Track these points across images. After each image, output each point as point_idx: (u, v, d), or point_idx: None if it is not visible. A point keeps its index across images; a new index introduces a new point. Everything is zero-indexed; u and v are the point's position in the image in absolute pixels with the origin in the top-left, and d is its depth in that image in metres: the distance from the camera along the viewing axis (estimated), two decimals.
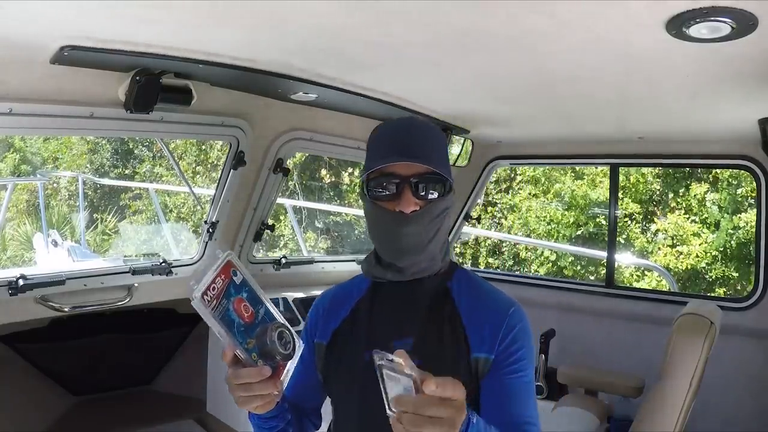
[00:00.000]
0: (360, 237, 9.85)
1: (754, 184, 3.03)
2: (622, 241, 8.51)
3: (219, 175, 2.76)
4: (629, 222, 8.83)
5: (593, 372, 3.14)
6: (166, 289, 2.72)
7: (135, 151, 11.80)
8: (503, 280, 4.11)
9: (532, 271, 9.18)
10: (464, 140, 3.18)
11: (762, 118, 2.33)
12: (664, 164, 5.48)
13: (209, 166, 10.67)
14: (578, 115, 2.68)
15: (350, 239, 10.26)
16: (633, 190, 8.80)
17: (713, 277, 8.35)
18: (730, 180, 8.24)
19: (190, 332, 3.20)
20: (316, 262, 3.49)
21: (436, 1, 1.31)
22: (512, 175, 9.85)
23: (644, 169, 8.54)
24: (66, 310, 2.41)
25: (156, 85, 1.97)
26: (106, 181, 11.10)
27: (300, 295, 3.08)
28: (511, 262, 9.77)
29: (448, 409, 0.88)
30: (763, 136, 2.46)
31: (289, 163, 2.93)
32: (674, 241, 8.54)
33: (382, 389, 0.91)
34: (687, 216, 8.59)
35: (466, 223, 4.07)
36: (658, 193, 9.00)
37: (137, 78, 1.93)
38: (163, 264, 2.66)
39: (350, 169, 10.13)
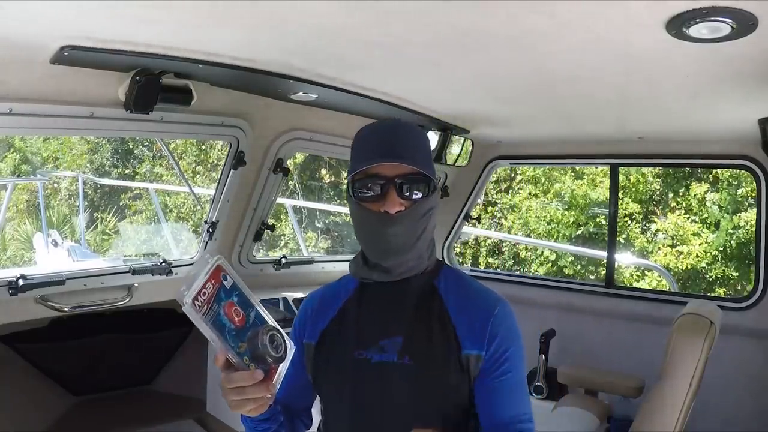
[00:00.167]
0: None
1: (754, 184, 3.03)
2: (622, 241, 8.50)
3: (219, 175, 2.76)
4: (629, 222, 8.83)
5: (593, 372, 3.14)
6: (166, 289, 2.72)
7: (135, 151, 11.80)
8: (503, 280, 4.10)
9: (532, 271, 9.18)
10: (464, 140, 3.18)
11: (762, 118, 2.33)
12: (664, 164, 5.48)
13: (209, 166, 10.67)
14: (578, 115, 2.68)
15: (350, 239, 10.25)
16: (633, 190, 8.80)
17: (713, 277, 8.35)
18: (730, 180, 8.24)
19: (190, 332, 3.20)
20: (316, 262, 3.49)
21: (436, 1, 1.31)
22: (512, 175, 9.85)
23: (644, 169, 8.54)
24: (66, 310, 2.41)
25: (156, 85, 1.97)
26: (106, 181, 11.10)
27: (300, 295, 3.08)
28: (511, 262, 9.77)
29: None
30: (763, 136, 2.46)
31: (289, 163, 2.93)
32: (674, 241, 8.54)
33: None
34: (687, 216, 8.59)
35: (466, 223, 4.07)
36: (658, 193, 9.00)
37: (137, 78, 1.93)
38: (163, 264, 2.66)
39: None
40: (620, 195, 8.35)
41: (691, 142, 3.04)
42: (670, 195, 8.84)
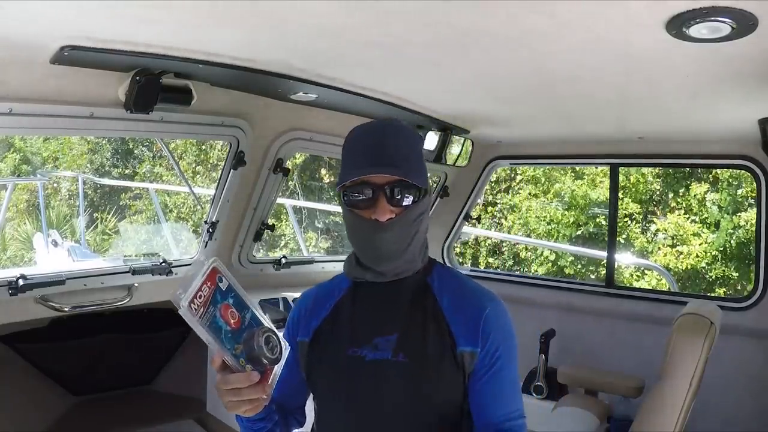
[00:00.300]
0: None
1: (754, 184, 3.03)
2: (622, 241, 8.50)
3: (219, 175, 2.76)
4: (629, 222, 8.83)
5: (593, 372, 3.14)
6: (166, 289, 2.70)
7: (135, 151, 11.80)
8: (503, 280, 4.11)
9: (532, 271, 9.18)
10: (464, 140, 3.18)
11: (762, 118, 2.33)
12: (664, 164, 5.47)
13: (209, 166, 10.67)
14: (578, 115, 2.68)
15: None
16: (633, 190, 8.80)
17: (713, 277, 8.35)
18: (730, 180, 8.24)
19: (189, 332, 3.18)
20: (316, 262, 3.49)
21: (436, 1, 1.31)
22: (512, 175, 9.85)
23: (644, 169, 8.54)
24: (66, 310, 2.41)
25: (156, 85, 1.97)
26: (106, 181, 11.09)
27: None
28: (511, 262, 9.77)
29: None
30: (763, 136, 2.46)
31: (289, 163, 2.93)
32: (674, 241, 8.54)
33: None
34: (687, 216, 8.59)
35: (466, 223, 4.07)
36: (658, 193, 9.00)
37: (137, 78, 1.93)
38: (163, 264, 2.66)
39: None
40: (620, 195, 8.34)
41: (691, 142, 3.04)
42: (670, 195, 8.84)
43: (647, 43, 1.50)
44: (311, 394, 1.35)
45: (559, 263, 9.05)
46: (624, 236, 8.63)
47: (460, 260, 9.36)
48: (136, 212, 11.30)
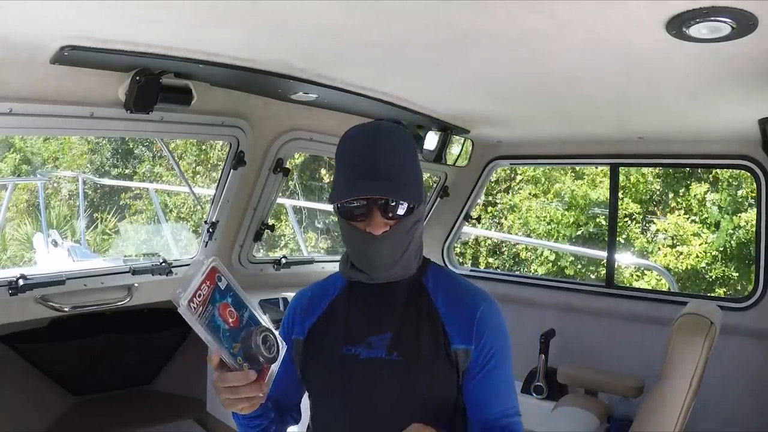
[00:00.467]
0: None
1: (754, 184, 3.03)
2: (622, 241, 8.50)
3: (219, 175, 2.76)
4: (629, 222, 8.83)
5: (593, 372, 3.14)
6: (166, 289, 2.70)
7: (135, 151, 11.80)
8: (503, 280, 4.11)
9: (532, 271, 9.18)
10: (464, 140, 3.18)
11: (762, 118, 2.33)
12: (664, 164, 5.47)
13: (209, 166, 10.67)
14: (578, 115, 2.68)
15: None
16: (633, 190, 8.80)
17: (713, 277, 8.35)
18: (730, 180, 8.24)
19: (189, 332, 3.18)
20: (316, 262, 3.49)
21: (436, 1, 1.31)
22: (512, 175, 9.85)
23: (644, 169, 8.54)
24: (66, 310, 2.41)
25: (156, 85, 1.97)
26: (106, 181, 11.10)
27: None
28: (511, 262, 9.77)
29: None
30: (763, 136, 2.46)
31: (289, 163, 2.93)
32: (674, 241, 8.54)
33: None
34: (687, 216, 8.59)
35: (466, 223, 4.07)
36: (658, 193, 9.00)
37: (137, 78, 1.93)
38: (163, 264, 2.66)
39: None
40: (620, 195, 8.35)
41: (691, 142, 3.04)
42: (670, 195, 8.84)
43: (647, 43, 1.50)
44: (307, 392, 1.36)
45: (559, 263, 9.05)
46: (624, 236, 8.63)
47: (460, 260, 9.36)
48: (136, 212, 11.30)
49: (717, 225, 8.32)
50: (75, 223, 9.80)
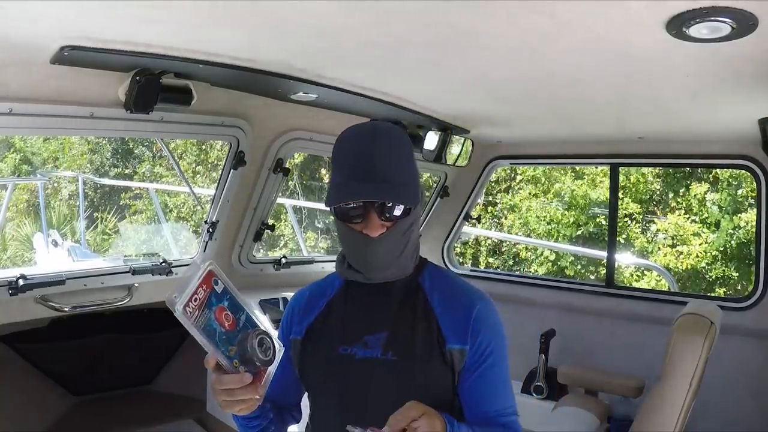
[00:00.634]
0: None
1: (754, 184, 3.03)
2: (622, 241, 8.50)
3: (219, 175, 2.76)
4: (629, 222, 8.83)
5: (593, 372, 3.14)
6: (166, 289, 2.69)
7: (135, 151, 11.80)
8: (503, 280, 4.11)
9: (533, 271, 9.18)
10: (464, 140, 3.18)
11: (762, 118, 2.33)
12: (664, 164, 5.48)
13: (209, 166, 10.67)
14: (578, 115, 2.68)
15: None
16: (633, 190, 8.80)
17: (713, 277, 8.35)
18: (730, 180, 8.24)
19: (189, 333, 3.20)
20: (316, 262, 3.49)
21: (436, 1, 1.31)
22: (512, 175, 9.85)
23: (644, 169, 8.54)
24: (66, 310, 2.41)
25: (156, 85, 1.97)
26: (106, 181, 11.10)
27: None
28: (511, 262, 9.77)
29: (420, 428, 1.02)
30: (763, 136, 2.46)
31: (289, 163, 2.93)
32: (674, 241, 8.54)
33: None
34: (687, 216, 8.59)
35: (466, 223, 4.07)
36: (658, 193, 9.00)
37: (137, 78, 1.93)
38: (163, 264, 2.66)
39: None
40: (620, 195, 8.35)
41: (691, 142, 3.04)
42: (670, 195, 8.84)
43: (647, 43, 1.50)
44: (305, 391, 1.37)
45: (559, 263, 9.06)
46: (624, 236, 8.63)
47: (460, 260, 9.36)
48: (136, 212, 11.30)
49: (717, 225, 8.32)
50: (75, 223, 9.81)
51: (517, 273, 8.75)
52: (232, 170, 2.63)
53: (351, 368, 1.23)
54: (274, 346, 1.06)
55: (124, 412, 3.15)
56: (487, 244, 9.93)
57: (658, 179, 8.88)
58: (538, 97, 2.35)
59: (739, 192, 8.13)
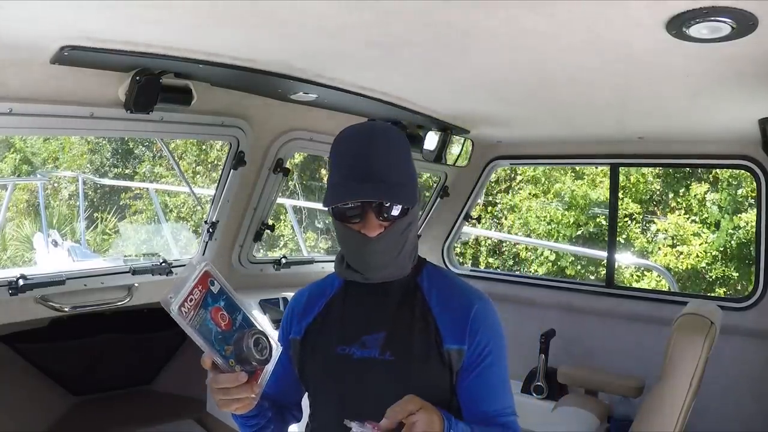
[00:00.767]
0: None
1: (754, 184, 3.03)
2: (622, 241, 8.50)
3: (219, 175, 2.76)
4: (629, 222, 8.83)
5: (593, 372, 3.14)
6: (166, 289, 2.70)
7: (135, 151, 11.80)
8: (503, 280, 4.11)
9: (533, 271, 9.18)
10: (464, 140, 3.18)
11: (762, 118, 2.33)
12: (664, 164, 5.48)
13: (209, 166, 10.67)
14: (578, 116, 2.68)
15: None
16: (633, 190, 8.80)
17: (713, 277, 8.35)
18: (730, 180, 8.24)
19: None
20: (316, 262, 3.49)
21: (436, 1, 1.31)
22: (512, 175, 9.85)
23: (644, 169, 8.54)
24: (66, 310, 2.41)
25: (156, 85, 1.97)
26: (106, 181, 11.11)
27: None
28: (511, 262, 9.77)
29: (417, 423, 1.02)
30: (763, 136, 2.46)
31: (289, 163, 2.93)
32: (674, 241, 8.54)
33: None
34: (687, 216, 8.59)
35: (466, 223, 4.07)
36: (658, 193, 9.00)
37: (137, 78, 1.93)
38: (163, 264, 2.66)
39: None
40: (620, 195, 8.34)
41: (691, 142, 3.04)
42: (670, 195, 8.84)
43: (647, 43, 1.50)
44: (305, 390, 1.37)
45: (559, 263, 9.06)
46: (624, 236, 8.63)
47: (460, 260, 9.36)
48: (136, 212, 11.31)
49: (717, 225, 8.32)
50: (75, 223, 9.81)
51: (517, 273, 8.75)
52: (232, 170, 2.63)
53: (349, 368, 1.23)
54: (270, 346, 1.07)
55: (124, 412, 3.16)
56: (487, 244, 9.93)
57: (658, 179, 8.88)
58: (538, 97, 2.35)
59: (739, 192, 8.13)
